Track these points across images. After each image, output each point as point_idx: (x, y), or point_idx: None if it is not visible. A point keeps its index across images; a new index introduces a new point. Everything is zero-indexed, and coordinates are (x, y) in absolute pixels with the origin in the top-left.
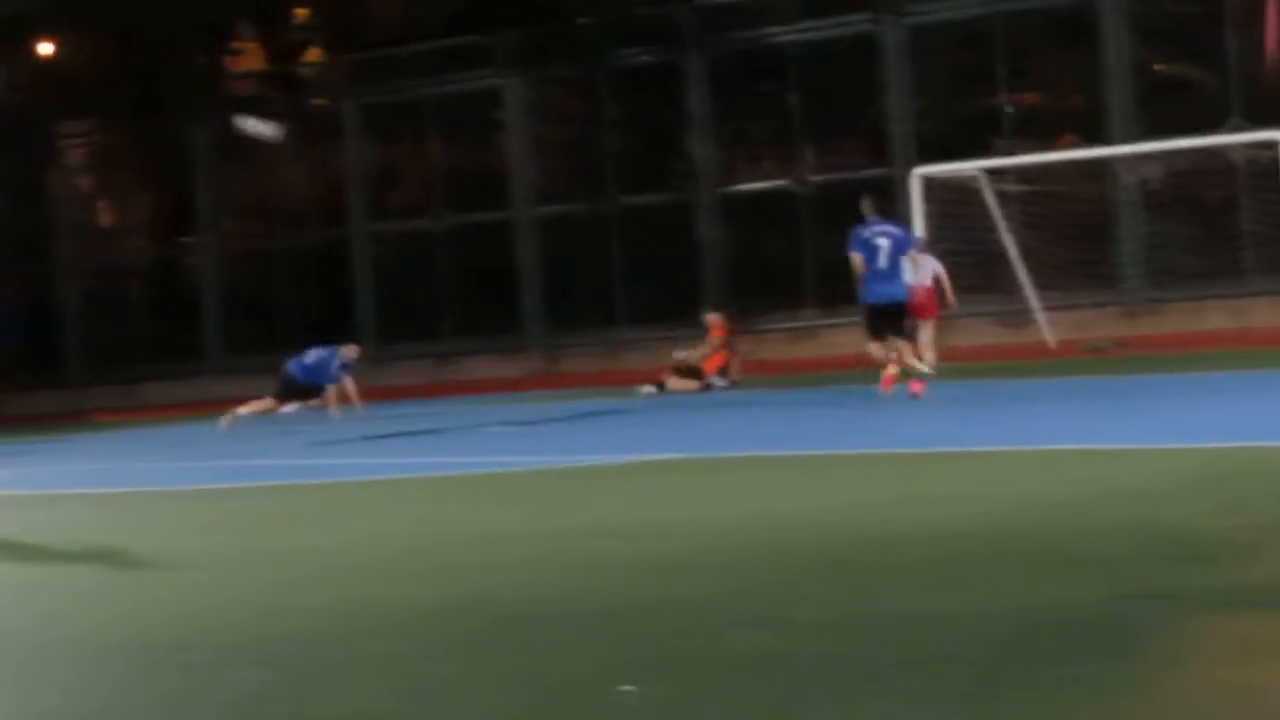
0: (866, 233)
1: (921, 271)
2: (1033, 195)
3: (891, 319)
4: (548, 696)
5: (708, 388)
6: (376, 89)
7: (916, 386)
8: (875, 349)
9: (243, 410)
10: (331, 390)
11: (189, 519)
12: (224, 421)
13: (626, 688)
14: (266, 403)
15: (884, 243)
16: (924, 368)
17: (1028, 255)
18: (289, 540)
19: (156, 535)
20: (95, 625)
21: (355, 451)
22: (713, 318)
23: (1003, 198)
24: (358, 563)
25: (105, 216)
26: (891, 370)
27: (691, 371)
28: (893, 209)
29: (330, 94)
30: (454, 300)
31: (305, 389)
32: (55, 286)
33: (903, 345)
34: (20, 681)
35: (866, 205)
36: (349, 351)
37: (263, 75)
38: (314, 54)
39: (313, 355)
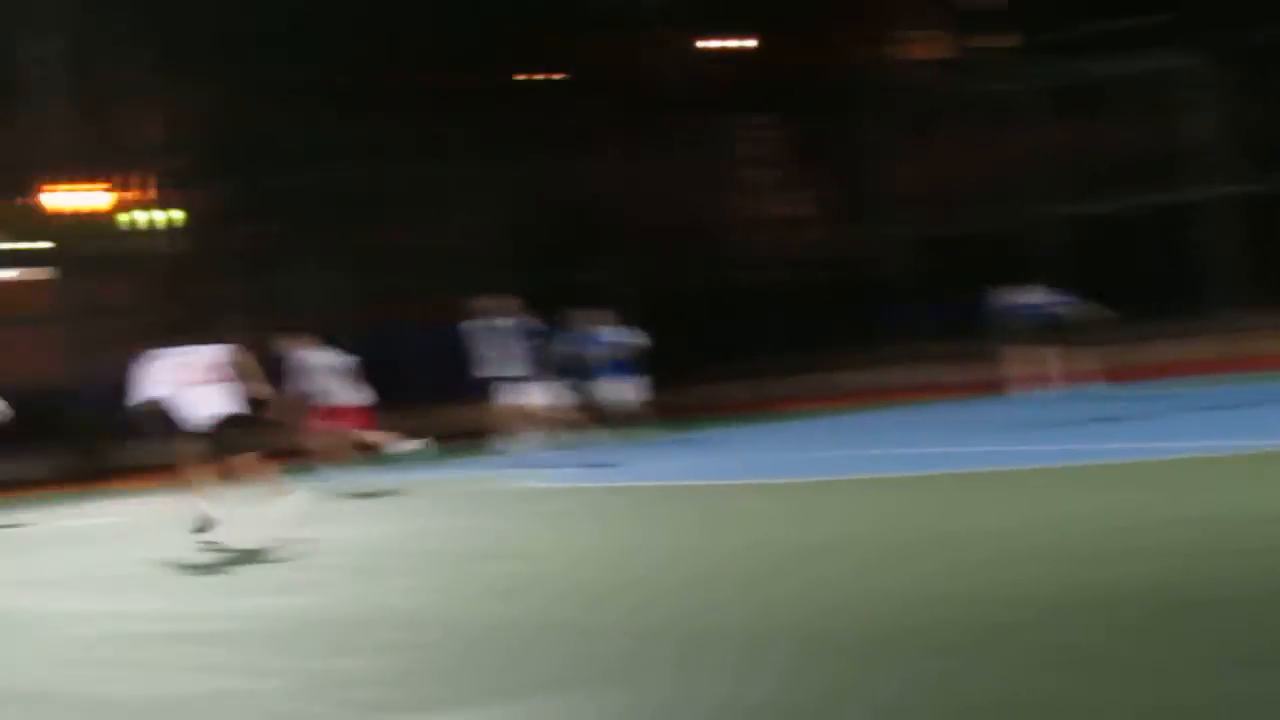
0: None
1: None
2: None
3: None
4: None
5: None
6: (1054, 71)
7: None
8: None
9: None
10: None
11: (860, 508)
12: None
13: None
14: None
15: None
16: None
17: None
18: (963, 524)
19: (825, 522)
20: (756, 613)
21: (1037, 438)
22: None
23: None
24: (1031, 549)
25: (785, 207)
26: None
27: None
28: None
29: (1008, 78)
30: (1137, 281)
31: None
32: (740, 277)
33: None
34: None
35: None
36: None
37: (935, 62)
38: (986, 39)
39: (1036, 298)
